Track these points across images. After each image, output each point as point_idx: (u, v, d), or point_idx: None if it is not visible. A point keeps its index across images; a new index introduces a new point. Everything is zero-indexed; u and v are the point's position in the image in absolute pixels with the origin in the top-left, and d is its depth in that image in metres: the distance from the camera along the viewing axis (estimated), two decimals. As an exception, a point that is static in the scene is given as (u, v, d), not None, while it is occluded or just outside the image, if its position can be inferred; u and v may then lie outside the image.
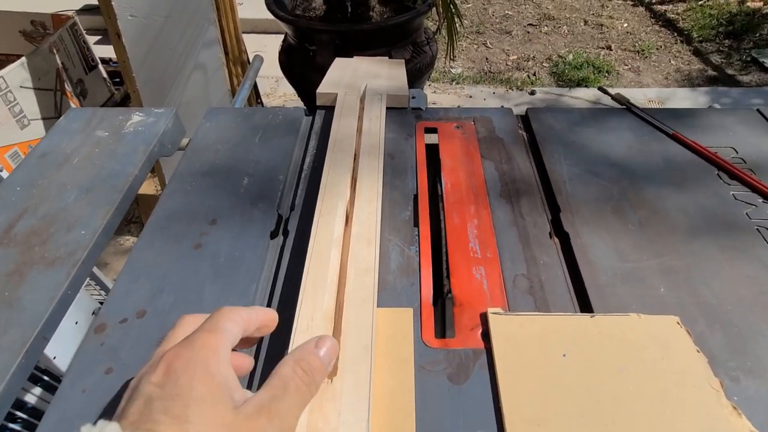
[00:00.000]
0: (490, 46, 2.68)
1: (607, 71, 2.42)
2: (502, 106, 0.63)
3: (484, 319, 0.38)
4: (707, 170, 0.53)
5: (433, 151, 0.57)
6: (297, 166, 0.55)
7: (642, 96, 2.27)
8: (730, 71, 2.44)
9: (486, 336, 0.37)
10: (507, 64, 2.52)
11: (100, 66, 1.88)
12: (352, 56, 0.77)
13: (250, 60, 1.65)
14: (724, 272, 0.42)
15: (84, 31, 1.79)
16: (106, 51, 1.98)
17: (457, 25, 1.46)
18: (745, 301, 0.40)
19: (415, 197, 0.50)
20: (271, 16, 1.49)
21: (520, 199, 0.50)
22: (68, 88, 1.68)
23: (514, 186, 0.51)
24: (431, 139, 0.59)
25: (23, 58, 1.50)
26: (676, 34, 2.72)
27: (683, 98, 2.28)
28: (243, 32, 1.69)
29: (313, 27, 1.55)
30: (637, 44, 2.63)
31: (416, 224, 0.47)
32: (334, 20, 1.58)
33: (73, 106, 1.72)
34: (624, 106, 0.62)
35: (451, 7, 1.33)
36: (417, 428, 0.31)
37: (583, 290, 0.41)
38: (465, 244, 0.45)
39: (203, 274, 0.43)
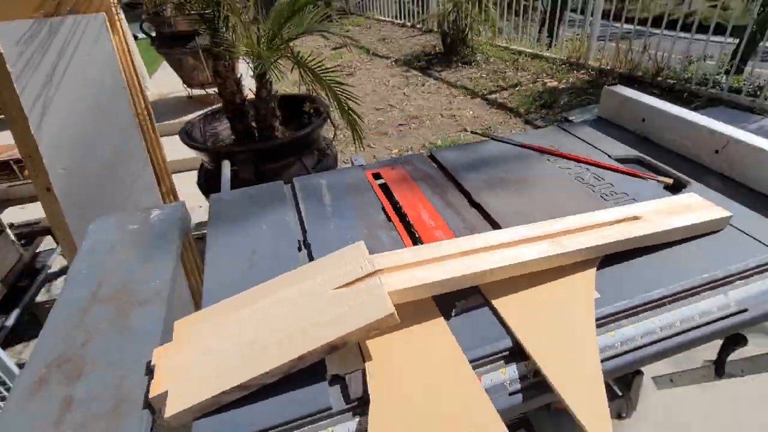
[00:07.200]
0: (374, 146, 3.21)
1: (469, 146, 3.04)
2: (420, 152, 0.95)
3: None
4: (539, 156, 0.88)
5: (384, 186, 0.84)
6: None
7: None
8: (553, 129, 3.22)
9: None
10: (392, 157, 3.03)
11: (8, 230, 1.89)
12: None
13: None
14: (543, 191, 0.74)
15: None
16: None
17: (358, 126, 1.82)
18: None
19: (383, 208, 0.75)
20: (179, 157, 1.73)
21: (447, 194, 0.78)
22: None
23: (440, 189, 0.80)
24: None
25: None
26: (509, 112, 3.55)
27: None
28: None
29: (233, 150, 1.83)
30: (484, 124, 3.37)
31: (389, 219, 0.72)
32: (246, 143, 1.88)
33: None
34: (487, 138, 0.97)
35: (350, 112, 1.73)
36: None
37: (492, 220, 0.69)
38: (423, 222, 0.71)
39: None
